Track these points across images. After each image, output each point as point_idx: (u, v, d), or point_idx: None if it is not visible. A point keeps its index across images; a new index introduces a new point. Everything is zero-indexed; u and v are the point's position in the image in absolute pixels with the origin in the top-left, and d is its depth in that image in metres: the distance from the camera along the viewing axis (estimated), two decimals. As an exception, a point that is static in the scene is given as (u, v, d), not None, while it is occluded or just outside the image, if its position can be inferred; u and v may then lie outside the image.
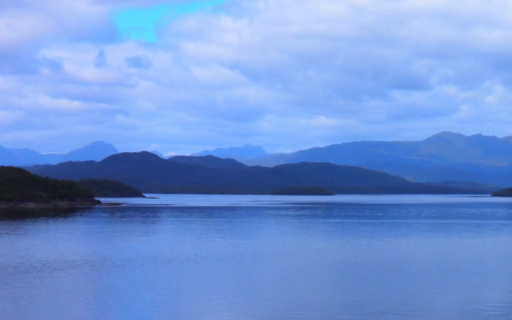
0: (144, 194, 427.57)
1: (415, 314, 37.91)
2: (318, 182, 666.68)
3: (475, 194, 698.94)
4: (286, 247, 79.43)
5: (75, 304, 41.51)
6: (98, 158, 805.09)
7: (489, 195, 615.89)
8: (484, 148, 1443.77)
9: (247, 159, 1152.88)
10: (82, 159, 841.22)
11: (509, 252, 75.65)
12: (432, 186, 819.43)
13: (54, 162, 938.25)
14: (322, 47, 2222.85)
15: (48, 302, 41.50)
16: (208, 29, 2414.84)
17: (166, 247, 78.13)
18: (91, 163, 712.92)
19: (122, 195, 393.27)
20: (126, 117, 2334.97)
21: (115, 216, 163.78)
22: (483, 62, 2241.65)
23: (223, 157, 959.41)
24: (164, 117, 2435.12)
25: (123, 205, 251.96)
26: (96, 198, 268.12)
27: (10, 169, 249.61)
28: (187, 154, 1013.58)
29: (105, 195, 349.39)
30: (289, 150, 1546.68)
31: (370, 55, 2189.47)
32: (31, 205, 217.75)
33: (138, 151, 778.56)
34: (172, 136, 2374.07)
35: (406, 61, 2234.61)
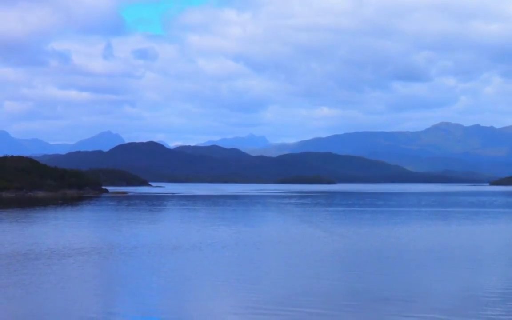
0: (150, 183, 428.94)
1: (415, 300, 38.65)
2: (320, 171, 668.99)
3: (474, 183, 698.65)
4: (289, 235, 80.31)
5: (83, 291, 42.44)
6: (106, 148, 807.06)
7: (487, 184, 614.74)
8: (483, 138, 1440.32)
9: (251, 149, 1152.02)
10: (90, 149, 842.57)
11: (507, 240, 76.35)
12: (431, 175, 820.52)
13: (62, 151, 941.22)
14: (324, 40, 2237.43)
15: (56, 289, 42.46)
16: (213, 22, 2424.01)
17: (172, 235, 79.18)
18: (98, 152, 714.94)
19: (129, 184, 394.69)
20: (133, 108, 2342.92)
21: (122, 204, 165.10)
22: (481, 54, 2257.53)
23: (228, 147, 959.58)
24: (170, 108, 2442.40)
25: (130, 194, 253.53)
26: (104, 187, 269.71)
27: (20, 158, 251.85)
28: (192, 144, 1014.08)
29: (112, 184, 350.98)
30: (292, 140, 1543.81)
31: (371, 47, 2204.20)
32: (40, 193, 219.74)
33: (145, 141, 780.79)
34: (177, 126, 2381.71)
35: (406, 53, 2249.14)
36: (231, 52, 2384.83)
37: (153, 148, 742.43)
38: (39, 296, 39.96)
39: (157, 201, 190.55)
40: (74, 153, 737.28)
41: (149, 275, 48.01)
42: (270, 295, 40.20)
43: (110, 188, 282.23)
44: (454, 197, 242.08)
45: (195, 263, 54.47)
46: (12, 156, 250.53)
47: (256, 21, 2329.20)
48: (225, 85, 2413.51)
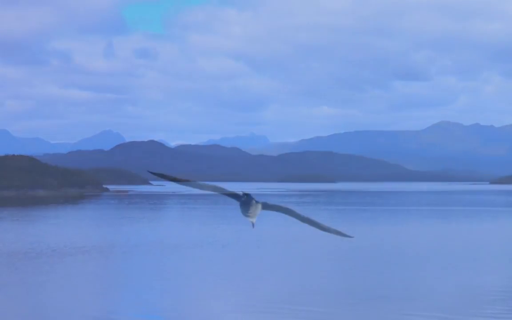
0: (151, 182, 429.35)
1: (415, 298, 38.62)
2: (320, 170, 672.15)
3: (474, 182, 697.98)
4: (290, 234, 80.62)
5: (84, 289, 42.45)
6: (107, 147, 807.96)
7: (488, 183, 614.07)
8: (482, 137, 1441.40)
9: (252, 148, 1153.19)
10: (91, 147, 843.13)
11: (507, 239, 76.69)
12: (431, 174, 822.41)
13: (63, 150, 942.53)
14: (325, 39, 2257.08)
15: (58, 287, 42.54)
16: (213, 21, 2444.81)
17: (172, 233, 79.62)
18: (99, 151, 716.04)
19: (129, 183, 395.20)
20: (134, 107, 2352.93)
21: (123, 203, 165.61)
22: (481, 53, 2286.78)
23: (228, 145, 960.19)
24: (170, 107, 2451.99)
25: (130, 193, 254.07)
26: (105, 186, 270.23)
27: (21, 157, 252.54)
28: (193, 143, 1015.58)
29: (113, 183, 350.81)
30: (292, 139, 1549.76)
31: (371, 46, 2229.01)
32: (41, 192, 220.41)
33: (146, 140, 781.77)
34: (178, 125, 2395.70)
35: (406, 52, 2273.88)
36: (231, 51, 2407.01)
37: (154, 147, 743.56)
38: (40, 295, 40.00)
39: (158, 200, 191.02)
40: (75, 152, 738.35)
41: (150, 274, 48.18)
42: (271, 294, 40.16)
43: (111, 187, 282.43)
44: (454, 196, 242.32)
45: (196, 262, 54.70)
46: (13, 155, 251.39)
47: (256, 20, 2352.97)
48: (225, 84, 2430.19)
